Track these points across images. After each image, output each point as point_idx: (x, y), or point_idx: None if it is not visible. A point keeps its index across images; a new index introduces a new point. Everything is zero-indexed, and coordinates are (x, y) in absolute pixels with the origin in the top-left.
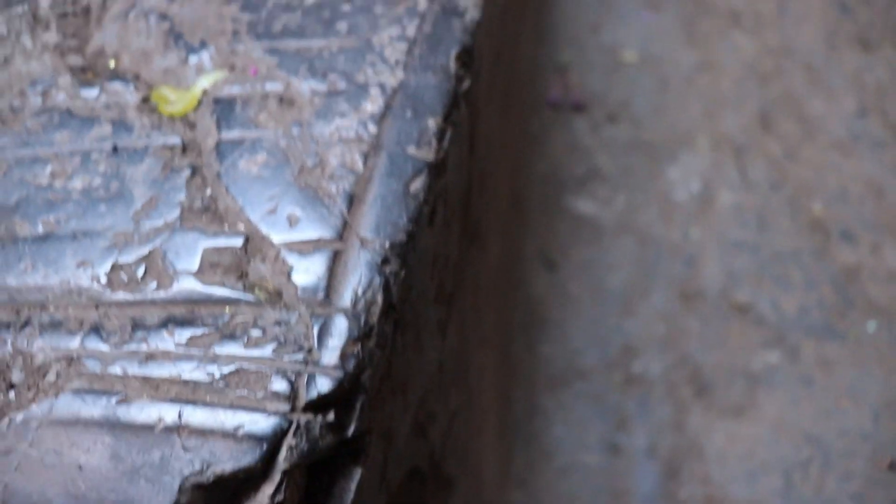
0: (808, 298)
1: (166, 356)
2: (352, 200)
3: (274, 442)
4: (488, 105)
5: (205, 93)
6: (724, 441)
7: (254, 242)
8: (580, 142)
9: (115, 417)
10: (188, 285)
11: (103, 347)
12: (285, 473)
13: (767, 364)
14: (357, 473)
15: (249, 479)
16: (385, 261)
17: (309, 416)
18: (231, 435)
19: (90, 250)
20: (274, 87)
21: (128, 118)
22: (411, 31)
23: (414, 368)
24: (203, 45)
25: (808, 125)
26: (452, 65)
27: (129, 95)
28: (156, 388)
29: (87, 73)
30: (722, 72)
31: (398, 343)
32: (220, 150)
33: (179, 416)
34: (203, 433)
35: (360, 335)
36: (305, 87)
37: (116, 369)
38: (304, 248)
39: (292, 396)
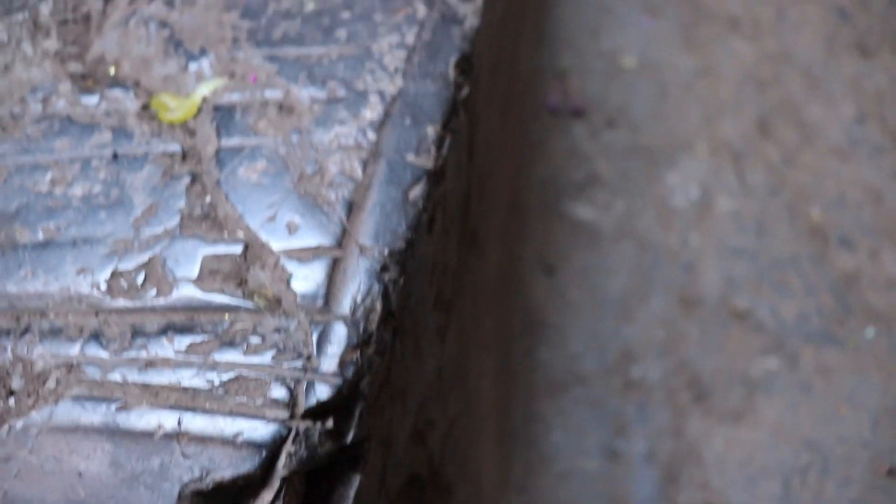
0: (807, 305)
1: (166, 363)
2: (351, 208)
3: (273, 449)
4: (487, 111)
5: (204, 100)
6: (723, 447)
7: (253, 250)
8: (579, 147)
9: (114, 424)
10: (188, 292)
11: (103, 354)
12: (284, 480)
13: (766, 370)
14: (356, 480)
15: (249, 485)
16: (384, 268)
17: (308, 423)
18: (230, 442)
19: (90, 257)
20: (273, 94)
21: (128, 125)
22: (410, 38)
23: (413, 375)
24: (203, 52)
25: (806, 131)
26: (451, 72)
27: (129, 102)
28: (155, 395)
29: (88, 81)
30: (721, 78)
31: (397, 350)
32: (220, 157)
33: (179, 423)
34: (202, 440)
35: (359, 342)
36: (305, 94)
37: (116, 376)
38: (304, 256)
39: (291, 403)
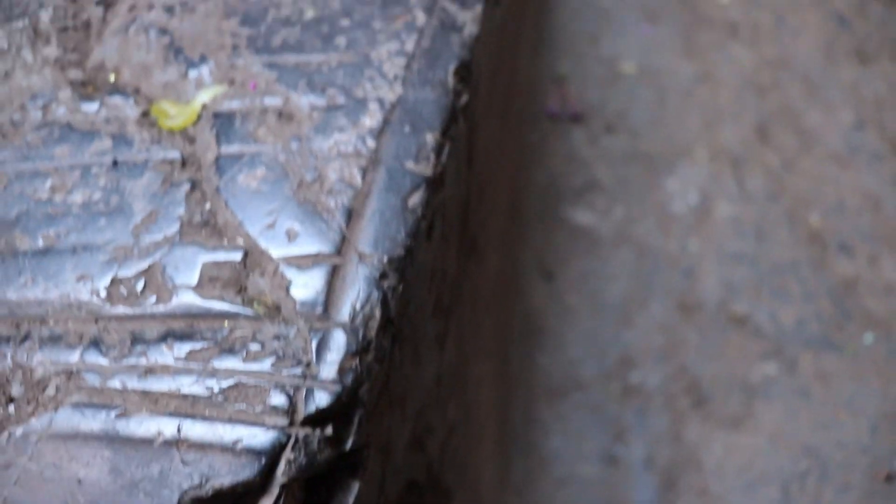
0: (806, 310)
1: (165, 370)
2: (350, 215)
3: (272, 456)
4: (487, 118)
5: (204, 107)
6: (721, 452)
7: (253, 257)
8: (578, 153)
9: (114, 431)
10: (187, 299)
11: (103, 361)
12: (283, 487)
13: (765, 376)
14: (355, 487)
15: (248, 492)
16: (383, 275)
17: (307, 430)
18: (230, 449)
19: (90, 264)
20: (273, 101)
21: (128, 132)
22: (410, 46)
23: (412, 382)
24: (203, 59)
25: (805, 137)
26: (451, 80)
27: (129, 109)
28: (155, 402)
29: (88, 88)
30: (720, 84)
31: (396, 357)
32: (220, 164)
33: (178, 430)
34: (202, 447)
35: (358, 349)
36: (304, 101)
37: (116, 383)
38: (303, 263)
39: (291, 410)
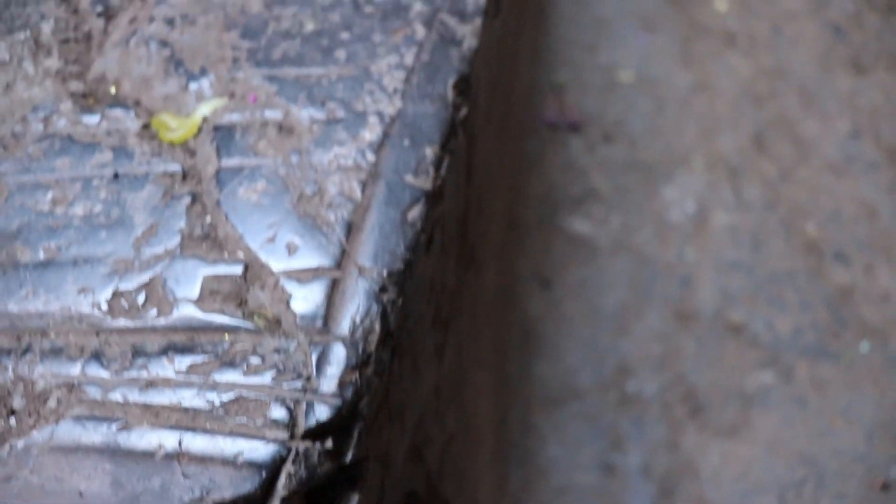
0: (802, 319)
1: (166, 383)
2: (350, 229)
3: (273, 469)
4: (485, 129)
5: (205, 120)
6: (718, 461)
7: (253, 270)
8: (576, 162)
9: (115, 444)
10: (188, 312)
11: (104, 374)
12: (284, 500)
13: (762, 384)
14: (355, 499)
15: None
16: (383, 289)
17: (307, 443)
18: (231, 462)
19: (91, 277)
20: (273, 114)
21: (128, 145)
22: (409, 59)
23: (411, 394)
24: (203, 72)
25: (802, 147)
26: (450, 93)
27: (130, 122)
28: (156, 416)
29: (89, 99)
30: (717, 93)
31: (395, 370)
32: (220, 177)
33: (179, 444)
34: (203, 460)
35: (358, 363)
36: (304, 114)
37: (117, 396)
38: (303, 277)
39: (291, 424)
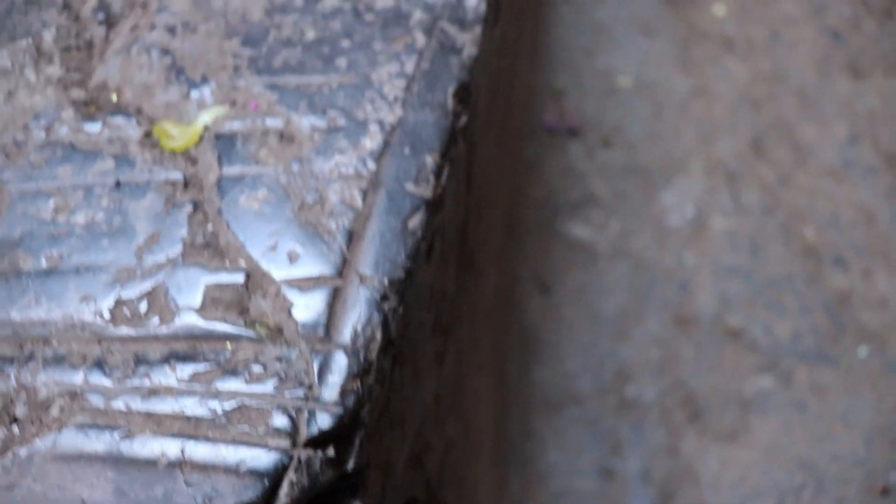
0: (801, 324)
1: (169, 392)
2: (351, 237)
3: (275, 477)
4: (485, 136)
5: (206, 128)
6: (717, 466)
7: (255, 279)
8: (575, 167)
9: (118, 452)
10: (190, 321)
11: (106, 382)
12: None
13: (761, 389)
14: None
15: None
16: (384, 297)
17: (309, 451)
18: (233, 470)
19: (93, 285)
20: (274, 122)
21: (130, 153)
22: (410, 67)
23: (411, 401)
24: (204, 80)
25: (800, 151)
26: (450, 101)
27: (132, 130)
28: (159, 424)
29: (90, 107)
30: (715, 98)
31: (396, 378)
32: (222, 185)
33: (182, 452)
34: (205, 469)
35: (359, 371)
36: (305, 123)
37: (119, 404)
38: (305, 285)
39: (293, 432)
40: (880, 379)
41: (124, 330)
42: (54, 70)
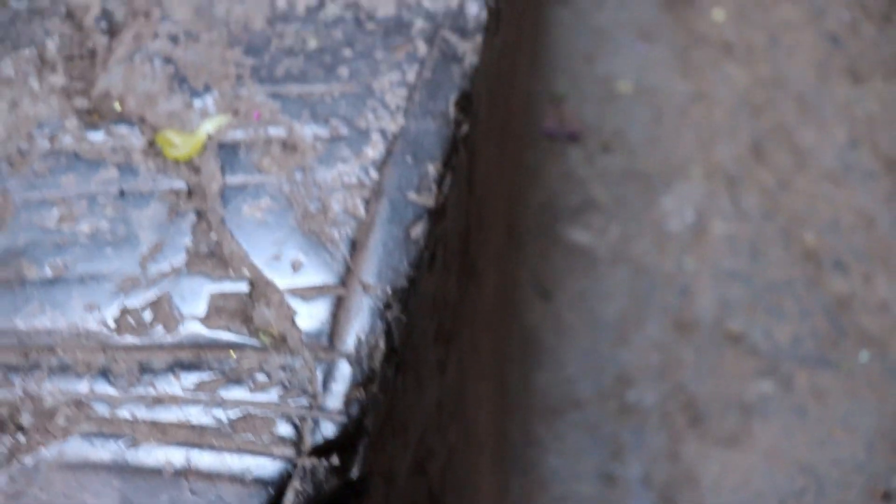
0: (801, 328)
1: (174, 400)
2: (354, 246)
3: (280, 486)
4: (486, 143)
5: (209, 137)
6: (718, 470)
7: (258, 287)
8: (575, 172)
9: (123, 461)
10: (194, 330)
11: (111, 391)
12: None
13: (761, 393)
14: None
15: None
16: (387, 306)
17: (314, 460)
18: (238, 479)
19: (98, 294)
20: (277, 131)
21: (133, 162)
22: (411, 76)
23: (414, 409)
24: (207, 89)
25: (799, 156)
26: (452, 110)
27: (135, 139)
28: (164, 432)
29: (94, 116)
30: (715, 102)
31: (399, 386)
32: (225, 194)
33: (187, 460)
34: (210, 477)
35: (363, 380)
36: (308, 132)
37: (125, 413)
38: (308, 294)
39: (298, 441)
40: (881, 383)
41: (129, 339)
42: (58, 79)
